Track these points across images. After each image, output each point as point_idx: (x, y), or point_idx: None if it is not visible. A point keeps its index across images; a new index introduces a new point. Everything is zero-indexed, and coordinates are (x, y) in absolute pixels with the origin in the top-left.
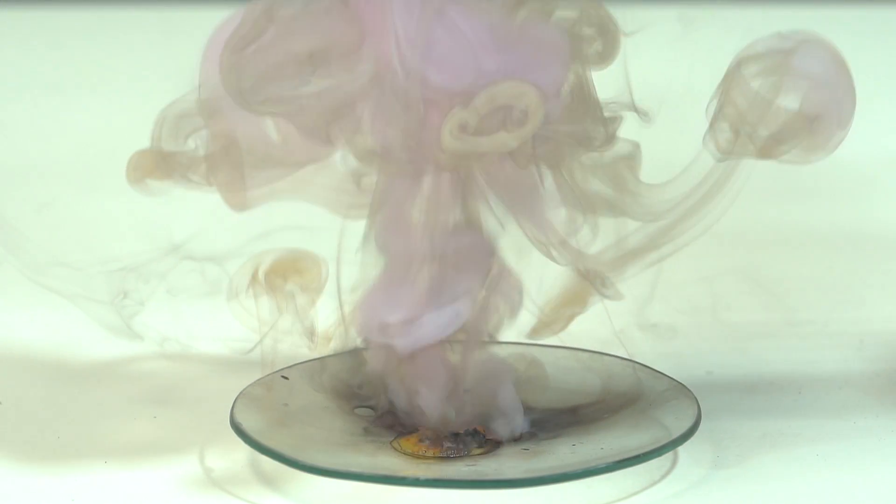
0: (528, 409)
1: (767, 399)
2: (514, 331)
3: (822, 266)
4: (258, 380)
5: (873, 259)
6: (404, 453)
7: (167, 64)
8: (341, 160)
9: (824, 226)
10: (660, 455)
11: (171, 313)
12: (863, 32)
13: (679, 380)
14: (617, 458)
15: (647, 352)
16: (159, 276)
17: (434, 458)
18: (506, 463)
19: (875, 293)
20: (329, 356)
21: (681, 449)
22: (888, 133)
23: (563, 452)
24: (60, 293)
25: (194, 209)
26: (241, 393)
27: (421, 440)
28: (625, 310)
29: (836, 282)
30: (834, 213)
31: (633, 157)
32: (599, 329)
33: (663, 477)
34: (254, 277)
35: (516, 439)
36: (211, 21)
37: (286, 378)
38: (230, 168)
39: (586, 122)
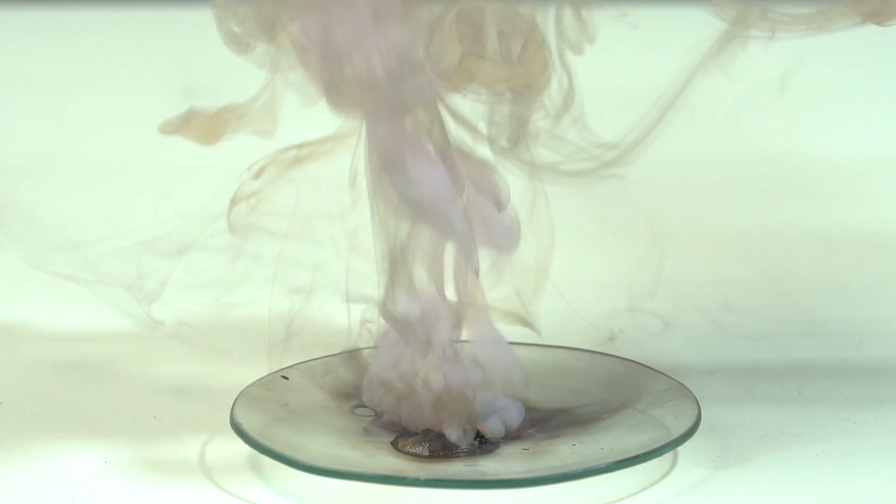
0: (528, 409)
1: (767, 399)
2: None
3: (821, 266)
4: (258, 380)
5: (873, 259)
6: (404, 453)
7: (161, 62)
8: None
9: (824, 226)
10: (660, 455)
11: (189, 293)
12: (862, 32)
13: (679, 380)
14: (617, 458)
15: (648, 352)
16: (178, 252)
17: (434, 458)
18: (506, 463)
19: (875, 293)
20: (329, 356)
21: (681, 449)
22: (888, 133)
23: (563, 452)
24: (72, 279)
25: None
26: (240, 392)
27: (421, 440)
28: (625, 309)
29: (836, 282)
30: (834, 213)
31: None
32: (599, 329)
33: (663, 477)
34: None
35: (513, 437)
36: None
37: (286, 378)
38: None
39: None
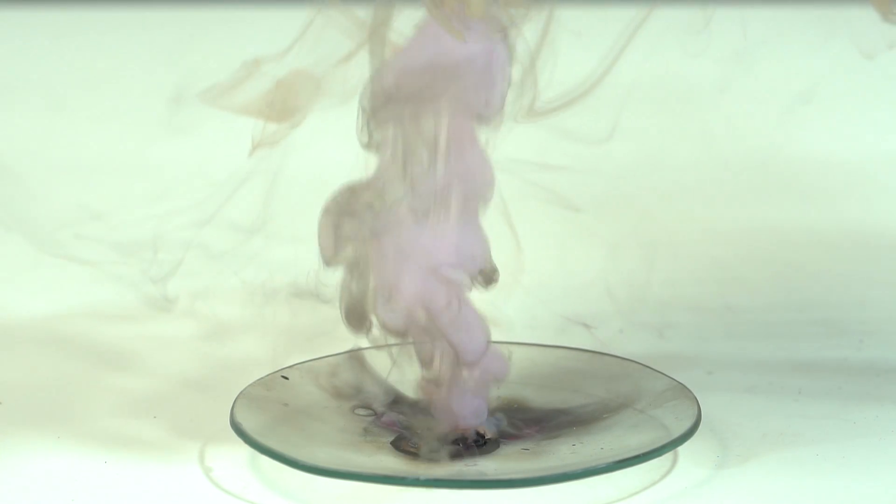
0: (528, 409)
1: (767, 399)
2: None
3: (821, 265)
4: (258, 380)
5: (874, 259)
6: (404, 453)
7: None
8: None
9: (824, 226)
10: (660, 455)
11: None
12: (862, 33)
13: (679, 380)
14: (617, 458)
15: (648, 352)
16: (191, 230)
17: (434, 458)
18: (506, 463)
19: (875, 293)
20: (330, 356)
21: (681, 449)
22: (888, 133)
23: (563, 452)
24: (82, 262)
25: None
26: (241, 393)
27: (420, 440)
28: (623, 309)
29: (836, 281)
30: (834, 213)
31: None
32: (599, 329)
33: (663, 477)
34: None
35: (513, 437)
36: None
37: (286, 378)
38: None
39: None
